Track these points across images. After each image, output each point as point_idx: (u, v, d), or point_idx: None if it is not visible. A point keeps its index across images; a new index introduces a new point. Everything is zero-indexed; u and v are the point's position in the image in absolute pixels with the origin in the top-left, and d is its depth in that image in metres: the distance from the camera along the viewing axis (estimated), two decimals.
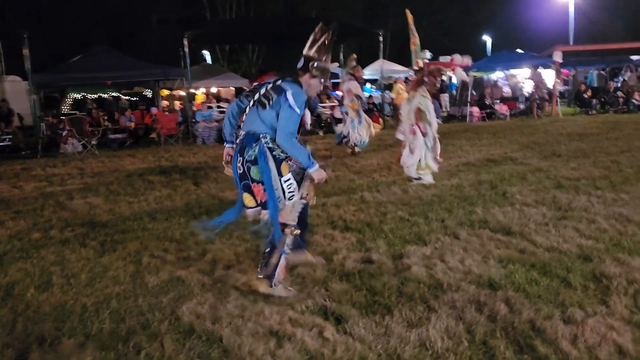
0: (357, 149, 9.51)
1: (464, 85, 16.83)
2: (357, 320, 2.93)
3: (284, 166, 3.32)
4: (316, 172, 3.36)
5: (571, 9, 29.81)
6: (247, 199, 3.38)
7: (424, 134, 6.65)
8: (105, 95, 23.64)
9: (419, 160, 6.70)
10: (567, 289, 3.22)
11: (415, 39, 8.02)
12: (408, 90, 6.80)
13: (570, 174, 6.78)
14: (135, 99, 23.27)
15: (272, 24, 17.90)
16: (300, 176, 3.45)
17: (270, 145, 3.29)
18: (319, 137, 13.74)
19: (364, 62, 22.85)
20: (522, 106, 17.50)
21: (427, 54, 22.11)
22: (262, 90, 3.37)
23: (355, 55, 9.99)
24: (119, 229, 5.13)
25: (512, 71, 20.08)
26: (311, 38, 3.47)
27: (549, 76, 18.42)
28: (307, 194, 3.51)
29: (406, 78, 21.24)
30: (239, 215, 3.52)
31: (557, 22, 31.25)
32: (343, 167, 8.38)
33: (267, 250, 3.43)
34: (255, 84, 4.04)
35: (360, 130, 9.37)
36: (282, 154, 3.31)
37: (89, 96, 22.85)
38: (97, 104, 18.93)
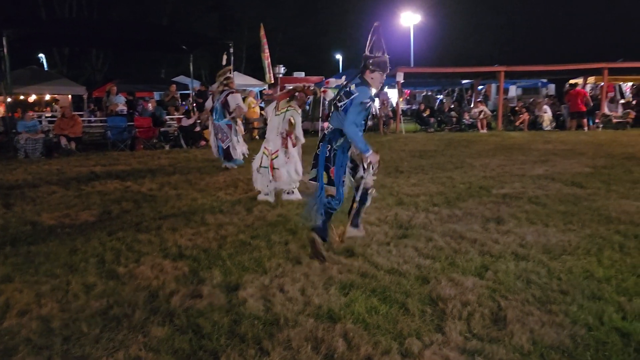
0: (229, 165, 9.27)
1: (316, 102, 17.13)
2: None
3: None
4: (372, 154, 4.12)
5: (412, 34, 32.34)
6: (325, 177, 4.16)
7: (294, 145, 6.52)
8: None
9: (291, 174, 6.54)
10: (405, 316, 3.09)
11: (267, 54, 7.80)
12: (277, 103, 6.58)
13: (411, 190, 6.99)
14: None
15: (119, 29, 16.56)
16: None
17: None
18: (164, 152, 12.87)
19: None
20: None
21: (282, 69, 22.25)
22: (338, 96, 4.19)
23: (230, 67, 9.68)
24: None
25: None
26: (372, 39, 4.10)
27: (394, 95, 19.59)
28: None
29: (260, 92, 21.17)
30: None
31: (401, 46, 33.70)
32: (186, 184, 7.79)
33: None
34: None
35: (240, 147, 9.24)
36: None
37: None
38: None
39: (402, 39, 34.40)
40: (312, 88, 7.10)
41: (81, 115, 16.57)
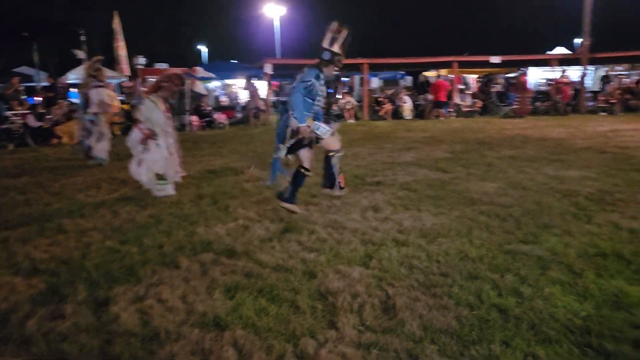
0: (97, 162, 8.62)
1: (182, 94, 16.35)
2: None
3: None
4: (303, 127, 4.60)
5: (277, 26, 32.36)
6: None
7: (150, 136, 6.07)
8: None
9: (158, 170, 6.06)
10: (296, 314, 2.96)
11: (121, 43, 7.24)
12: (144, 95, 6.11)
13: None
14: None
15: None
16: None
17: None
18: (6, 152, 11.38)
19: (69, 66, 20.25)
20: (239, 115, 17.97)
21: (142, 60, 20.87)
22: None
23: (101, 57, 8.76)
24: None
25: (228, 81, 20.52)
26: (330, 35, 4.61)
27: (263, 87, 19.43)
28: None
29: (119, 84, 19.68)
30: None
31: (267, 37, 33.64)
32: (37, 187, 6.91)
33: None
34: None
35: (104, 144, 8.68)
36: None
37: None
38: None
39: (269, 30, 34.37)
40: (180, 75, 6.64)
41: None
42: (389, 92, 22.25)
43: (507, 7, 42.99)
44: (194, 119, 15.70)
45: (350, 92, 23.03)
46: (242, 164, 8.62)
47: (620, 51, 21.26)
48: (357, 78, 27.12)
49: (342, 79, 24.33)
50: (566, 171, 7.09)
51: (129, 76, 18.86)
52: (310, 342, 2.65)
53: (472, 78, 25.47)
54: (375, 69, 24.01)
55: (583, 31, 20.13)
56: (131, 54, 19.54)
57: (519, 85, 19.16)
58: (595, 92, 21.32)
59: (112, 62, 18.73)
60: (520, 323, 2.76)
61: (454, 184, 6.49)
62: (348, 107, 18.98)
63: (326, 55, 4.66)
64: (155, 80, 6.74)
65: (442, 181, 6.67)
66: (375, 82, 27.36)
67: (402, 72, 27.94)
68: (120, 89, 19.12)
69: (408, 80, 29.97)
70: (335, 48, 4.65)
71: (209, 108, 16.99)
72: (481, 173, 7.14)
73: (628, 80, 22.09)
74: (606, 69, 24.38)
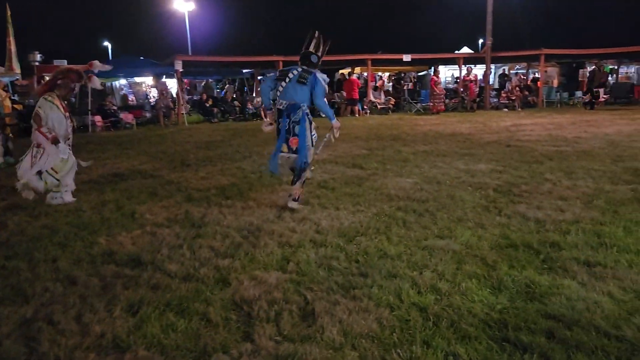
0: None
1: (83, 93, 15.28)
2: None
3: (312, 125, 5.09)
4: (337, 122, 5.15)
5: (187, 21, 31.37)
6: (285, 147, 5.02)
7: (52, 141, 5.54)
8: None
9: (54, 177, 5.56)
10: (208, 328, 2.73)
11: (11, 39, 6.57)
12: (38, 94, 5.52)
13: (200, 184, 6.57)
14: None
15: None
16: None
17: (307, 111, 5.01)
18: None
19: None
20: (148, 115, 17.13)
21: (38, 56, 19.33)
22: (296, 74, 4.96)
23: None
24: None
25: (136, 79, 19.53)
26: (314, 42, 5.07)
27: (174, 84, 18.67)
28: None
29: (12, 82, 18.07)
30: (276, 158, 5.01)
31: (178, 33, 32.50)
32: None
33: (295, 180, 5.14)
34: (286, 68, 5.13)
35: None
36: (310, 118, 5.07)
37: None
38: None
39: (179, 25, 33.21)
40: (76, 70, 6.06)
41: None
42: None
43: (419, 8, 44.66)
44: (98, 118, 14.74)
45: None
46: (150, 166, 8.14)
47: (519, 50, 22.67)
48: None
49: (259, 77, 24.00)
50: (476, 165, 7.33)
51: (24, 74, 17.39)
52: (223, 358, 2.43)
53: (385, 76, 26.12)
54: (291, 66, 23.90)
55: (486, 32, 21.22)
56: (27, 50, 18.04)
57: (432, 83, 19.85)
58: (497, 90, 22.61)
59: (2, 59, 17.18)
60: (440, 321, 2.71)
61: (371, 180, 6.48)
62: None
63: (314, 59, 5.05)
64: (49, 77, 6.12)
65: (360, 178, 6.65)
66: None
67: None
68: (13, 87, 17.56)
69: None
70: (320, 53, 5.10)
71: (115, 107, 16.03)
72: (397, 169, 7.21)
73: (524, 78, 23.65)
74: (506, 67, 25.93)
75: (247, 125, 16.38)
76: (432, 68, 22.21)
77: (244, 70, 24.93)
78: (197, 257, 3.82)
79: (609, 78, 23.03)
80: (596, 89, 18.90)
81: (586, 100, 18.80)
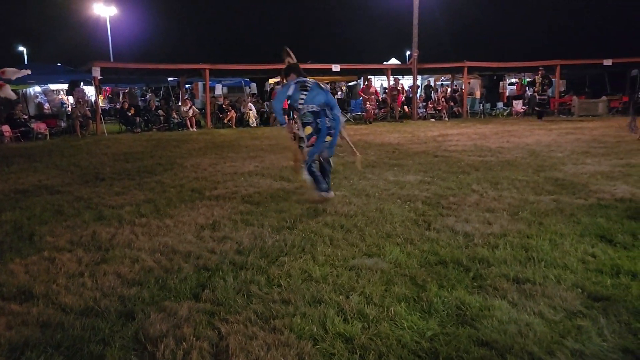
0: None
1: None
2: None
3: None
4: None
5: (109, 27, 30.00)
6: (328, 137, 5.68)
7: None
8: None
9: None
10: None
11: None
12: None
13: (114, 200, 6.05)
14: None
15: None
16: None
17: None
18: None
19: None
20: (64, 124, 16.03)
21: None
22: (313, 82, 5.60)
23: None
24: None
25: (52, 86, 18.29)
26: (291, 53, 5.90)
27: (91, 92, 17.63)
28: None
29: None
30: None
31: (98, 38, 31.01)
32: None
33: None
34: (299, 79, 5.61)
35: None
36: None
37: None
38: None
39: (100, 31, 31.68)
40: None
41: None
42: (233, 99, 21.76)
43: (348, 19, 45.33)
44: (5, 128, 13.57)
45: (192, 98, 22.12)
46: (59, 180, 7.46)
47: (444, 62, 23.39)
48: (200, 85, 26.19)
49: (186, 85, 23.29)
50: (405, 176, 7.27)
51: None
52: None
53: None
54: (218, 75, 23.35)
55: (412, 44, 21.71)
56: None
57: (360, 92, 19.99)
58: (425, 100, 23.18)
59: None
60: (367, 354, 2.47)
61: (298, 194, 6.23)
62: (190, 114, 18.06)
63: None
64: None
65: (286, 191, 6.38)
66: (219, 89, 26.68)
67: (246, 79, 27.66)
68: None
69: (253, 87, 29.79)
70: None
71: (25, 116, 14.84)
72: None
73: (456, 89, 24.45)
74: (432, 78, 26.70)
75: (172, 136, 15.71)
76: (361, 78, 22.46)
77: (170, 79, 24.07)
78: (99, 287, 3.38)
79: (527, 91, 24.25)
80: (516, 101, 19.78)
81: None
